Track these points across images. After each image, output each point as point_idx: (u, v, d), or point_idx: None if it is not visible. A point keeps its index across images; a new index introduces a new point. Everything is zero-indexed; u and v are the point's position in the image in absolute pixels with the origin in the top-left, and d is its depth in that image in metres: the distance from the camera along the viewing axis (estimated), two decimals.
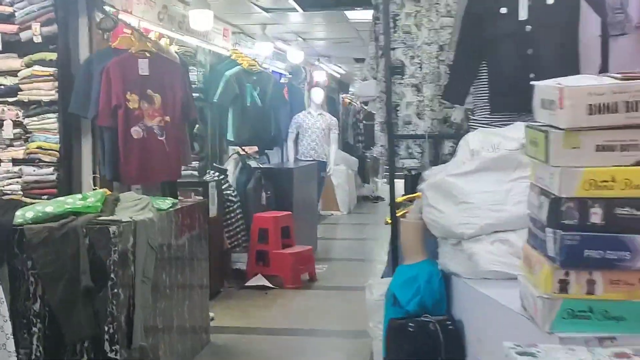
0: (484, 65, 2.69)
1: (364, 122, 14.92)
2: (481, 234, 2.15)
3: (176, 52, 4.90)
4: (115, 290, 3.33)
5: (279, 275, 6.34)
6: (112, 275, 3.32)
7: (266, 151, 7.65)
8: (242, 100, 6.68)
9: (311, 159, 9.13)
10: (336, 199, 12.00)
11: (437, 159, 3.04)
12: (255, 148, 7.28)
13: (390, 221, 3.05)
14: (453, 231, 2.21)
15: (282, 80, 9.32)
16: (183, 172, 4.97)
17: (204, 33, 6.18)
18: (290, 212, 6.75)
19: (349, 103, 14.66)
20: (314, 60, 9.83)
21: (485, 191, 2.17)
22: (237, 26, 7.17)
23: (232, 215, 6.33)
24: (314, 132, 9.18)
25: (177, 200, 4.34)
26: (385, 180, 18.25)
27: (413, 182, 3.48)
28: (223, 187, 6.17)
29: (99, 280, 3.30)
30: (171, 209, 4.07)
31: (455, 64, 2.85)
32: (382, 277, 3.42)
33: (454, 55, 2.86)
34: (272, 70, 8.13)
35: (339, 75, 11.93)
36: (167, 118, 4.39)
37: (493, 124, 2.63)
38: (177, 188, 4.81)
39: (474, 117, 2.78)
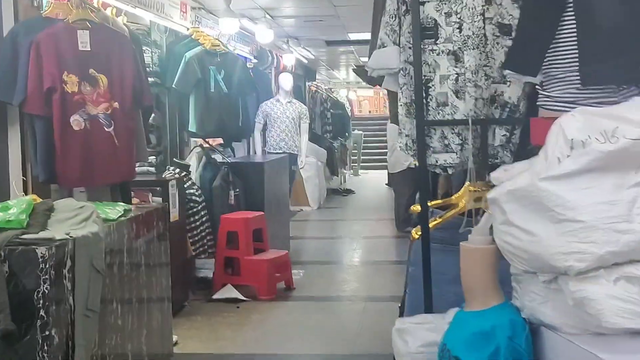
0: (570, 15, 1.90)
1: (331, 111, 14.15)
2: (599, 268, 1.40)
3: (125, 25, 4.04)
4: (47, 332, 2.50)
5: (252, 285, 5.54)
6: (42, 313, 2.49)
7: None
8: (205, 86, 5.83)
9: (281, 151, 8.31)
10: (306, 193, 11.24)
11: (485, 154, 2.25)
12: (220, 140, 6.43)
13: (417, 235, 2.29)
14: (552, 263, 1.46)
15: (247, 65, 8.49)
16: (138, 169, 4.14)
17: (158, 6, 5.31)
18: (262, 213, 5.94)
19: (316, 91, 13.87)
20: (282, 42, 8.99)
21: (601, 202, 1.42)
22: (197, 0, 6.30)
23: (197, 217, 5.49)
24: (283, 121, 8.36)
25: (130, 206, 3.51)
26: (352, 171, 17.62)
27: (435, 179, 2.71)
28: (185, 186, 5.33)
29: (24, 320, 2.47)
30: (123, 218, 3.23)
31: (524, 15, 2.05)
32: (400, 311, 2.64)
33: (523, 2, 2.08)
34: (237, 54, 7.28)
35: (306, 61, 11.10)
36: (116, 104, 3.55)
37: (579, 102, 1.86)
38: (130, 190, 3.97)
39: (547, 93, 1.96)
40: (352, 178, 17.08)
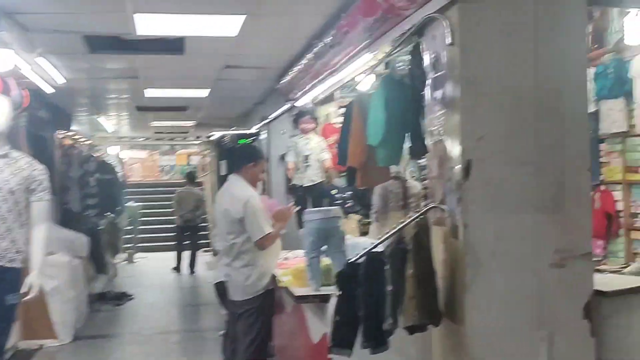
0: None
1: (97, 175, 9.56)
2: None
3: None
4: None
5: None
6: None
7: None
8: None
9: None
10: (49, 316, 6.55)
11: None
12: None
13: None
14: None
15: None
16: None
17: None
18: None
19: (71, 146, 9.18)
20: None
21: None
22: None
23: None
24: None
25: None
26: (126, 257, 12.65)
27: None
28: None
29: None
30: None
31: None
32: None
33: None
34: None
35: (53, 90, 6.50)
36: None
37: None
38: None
39: None
40: (125, 268, 12.37)
